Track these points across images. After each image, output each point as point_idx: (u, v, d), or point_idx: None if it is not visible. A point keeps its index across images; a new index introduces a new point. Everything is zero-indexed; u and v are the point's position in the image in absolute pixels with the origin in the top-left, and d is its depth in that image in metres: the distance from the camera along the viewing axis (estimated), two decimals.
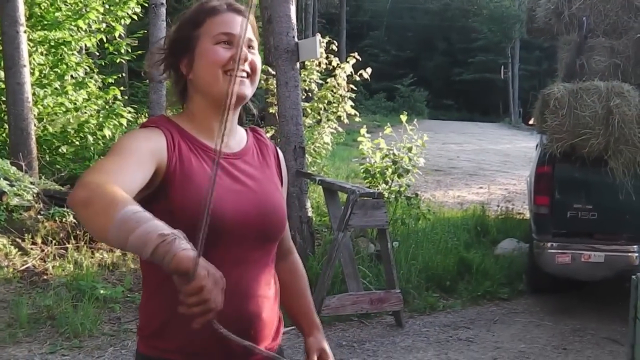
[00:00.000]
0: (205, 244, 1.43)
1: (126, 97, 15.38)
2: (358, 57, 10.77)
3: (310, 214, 7.98)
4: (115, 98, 11.69)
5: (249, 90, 1.92)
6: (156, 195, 1.79)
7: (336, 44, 11.14)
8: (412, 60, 52.40)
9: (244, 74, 1.90)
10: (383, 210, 6.38)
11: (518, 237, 9.11)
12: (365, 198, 6.36)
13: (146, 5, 11.15)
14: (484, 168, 19.11)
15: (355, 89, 11.05)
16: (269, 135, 8.19)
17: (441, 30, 53.61)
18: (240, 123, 2.07)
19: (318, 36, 8.44)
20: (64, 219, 7.63)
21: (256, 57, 1.93)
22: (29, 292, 6.55)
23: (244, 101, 1.94)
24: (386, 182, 9.40)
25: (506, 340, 6.21)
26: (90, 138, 10.60)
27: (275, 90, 8.25)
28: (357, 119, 11.29)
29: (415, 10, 55.66)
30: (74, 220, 7.58)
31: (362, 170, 9.84)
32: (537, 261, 6.76)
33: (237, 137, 2.03)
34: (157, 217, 1.50)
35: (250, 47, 1.94)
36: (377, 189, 8.45)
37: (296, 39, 7.73)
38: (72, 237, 7.44)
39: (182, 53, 1.93)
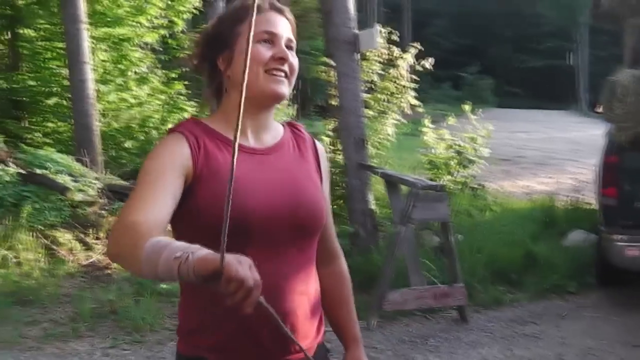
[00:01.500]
0: (236, 245, 1.43)
1: (190, 92, 15.51)
2: (420, 47, 10.61)
3: (372, 206, 7.89)
4: (179, 93, 11.80)
5: (286, 90, 1.91)
6: (184, 195, 1.80)
7: (397, 34, 10.95)
8: (477, 48, 51.70)
9: (282, 74, 1.89)
10: (445, 203, 6.26)
11: (588, 228, 8.83)
12: (428, 191, 6.23)
13: None
14: (552, 157, 18.70)
15: (417, 79, 10.89)
16: (330, 127, 8.12)
17: (506, 16, 52.75)
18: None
19: (377, 26, 8.33)
20: None
21: (295, 59, 1.92)
22: (91, 287, 6.64)
23: (280, 100, 1.93)
24: (450, 174, 9.25)
25: (573, 335, 6.02)
26: (154, 132, 10.71)
27: (336, 83, 8.19)
28: (420, 110, 11.11)
29: None
30: None
31: (426, 162, 9.71)
32: (605, 254, 6.54)
33: (273, 132, 2.02)
34: (185, 217, 1.74)
35: (289, 47, 1.92)
36: (442, 181, 8.32)
37: (355, 30, 7.64)
38: None
39: (221, 49, 1.93)
